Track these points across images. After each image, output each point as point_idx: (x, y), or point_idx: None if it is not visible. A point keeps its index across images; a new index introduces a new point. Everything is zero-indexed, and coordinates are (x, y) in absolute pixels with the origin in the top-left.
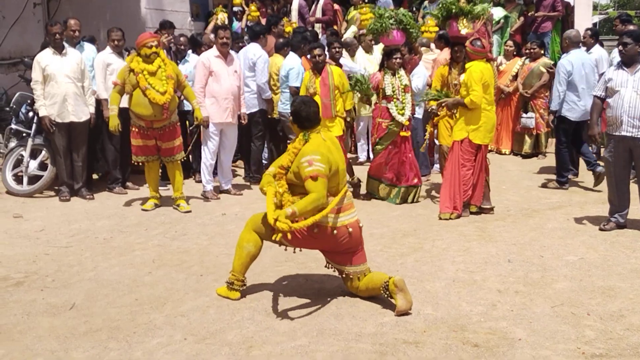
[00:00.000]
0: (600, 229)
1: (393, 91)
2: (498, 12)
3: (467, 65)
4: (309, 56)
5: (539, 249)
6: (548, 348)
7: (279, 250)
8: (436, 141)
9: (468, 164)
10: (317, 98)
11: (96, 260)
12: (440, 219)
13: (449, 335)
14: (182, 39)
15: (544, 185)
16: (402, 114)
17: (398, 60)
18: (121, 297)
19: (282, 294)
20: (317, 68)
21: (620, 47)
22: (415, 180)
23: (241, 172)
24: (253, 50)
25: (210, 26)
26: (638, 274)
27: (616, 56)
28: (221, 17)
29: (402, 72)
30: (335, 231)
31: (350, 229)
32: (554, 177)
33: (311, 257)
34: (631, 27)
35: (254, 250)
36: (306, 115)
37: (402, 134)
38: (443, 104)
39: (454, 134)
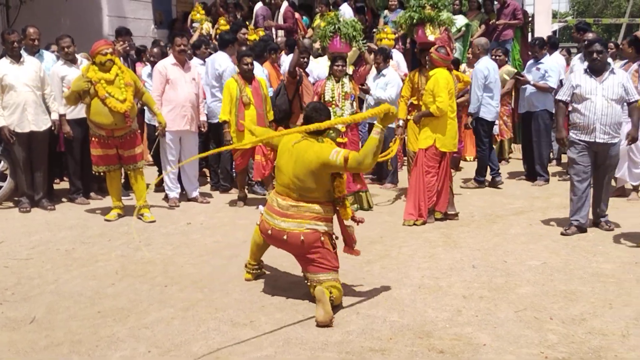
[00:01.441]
0: (562, 234)
1: (332, 97)
2: (459, 20)
3: (430, 73)
4: (238, 63)
5: (503, 254)
6: (512, 353)
7: (245, 260)
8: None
9: (433, 170)
10: (252, 108)
11: (57, 272)
12: (403, 225)
13: (415, 342)
14: (155, 49)
15: (465, 184)
16: None
17: (340, 67)
18: (83, 310)
19: (248, 303)
20: (247, 77)
21: (595, 55)
22: (359, 186)
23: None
24: (219, 61)
25: (195, 36)
26: (599, 278)
27: (576, 63)
28: (206, 26)
29: (346, 79)
30: (269, 231)
31: (285, 237)
32: (520, 181)
33: (278, 266)
34: (590, 35)
35: (258, 240)
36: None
37: (338, 140)
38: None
39: (420, 142)
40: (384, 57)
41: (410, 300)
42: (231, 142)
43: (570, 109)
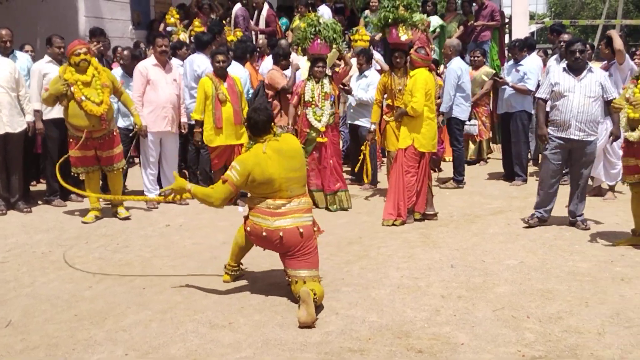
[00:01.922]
0: (524, 222)
1: (312, 98)
2: (434, 21)
3: (411, 73)
4: (211, 61)
5: (481, 253)
6: (490, 352)
7: (224, 262)
8: None
9: (412, 170)
10: (229, 105)
11: (34, 275)
12: (382, 225)
13: (394, 342)
14: (125, 52)
15: (444, 184)
16: (319, 120)
17: (320, 69)
18: (60, 313)
19: (226, 305)
20: (221, 75)
21: (578, 54)
22: (338, 185)
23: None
24: (198, 62)
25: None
26: (575, 277)
27: (553, 64)
28: (182, 37)
29: (326, 80)
30: (264, 233)
31: (281, 234)
32: (499, 182)
33: (256, 267)
34: (565, 36)
35: (240, 241)
36: (254, 122)
37: (319, 140)
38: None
39: (399, 142)
40: (366, 58)
41: (389, 300)
42: (200, 142)
43: (548, 107)
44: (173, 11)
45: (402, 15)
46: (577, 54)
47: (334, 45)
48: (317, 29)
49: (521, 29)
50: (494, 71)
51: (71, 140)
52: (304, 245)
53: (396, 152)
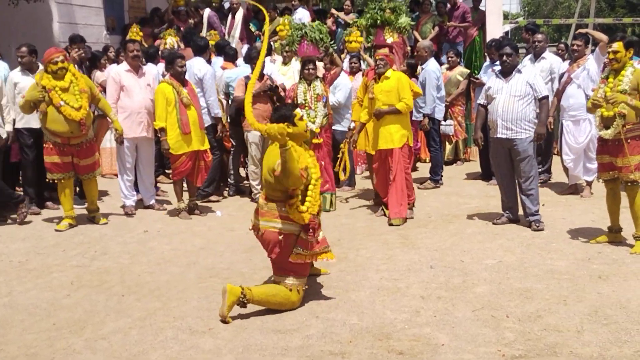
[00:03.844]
0: (494, 224)
1: (305, 100)
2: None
3: (389, 75)
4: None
5: (460, 253)
6: (470, 352)
7: (203, 267)
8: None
9: (409, 167)
10: (193, 109)
11: (11, 284)
12: (391, 225)
13: (375, 345)
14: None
15: (422, 185)
16: (313, 122)
17: (310, 71)
18: (38, 323)
19: (206, 311)
20: (181, 79)
21: (505, 58)
22: (327, 187)
23: (164, 187)
24: (198, 66)
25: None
26: (553, 275)
27: (527, 64)
28: (170, 41)
29: (317, 82)
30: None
31: (262, 232)
32: (476, 181)
33: (236, 272)
34: (539, 36)
35: None
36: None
37: (314, 141)
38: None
39: (395, 141)
40: (330, 60)
41: (369, 302)
42: (169, 149)
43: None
44: (137, 28)
45: (388, 18)
46: (504, 57)
47: (321, 46)
48: (303, 31)
49: (495, 29)
50: (469, 71)
51: (48, 145)
52: (270, 250)
53: (393, 151)
